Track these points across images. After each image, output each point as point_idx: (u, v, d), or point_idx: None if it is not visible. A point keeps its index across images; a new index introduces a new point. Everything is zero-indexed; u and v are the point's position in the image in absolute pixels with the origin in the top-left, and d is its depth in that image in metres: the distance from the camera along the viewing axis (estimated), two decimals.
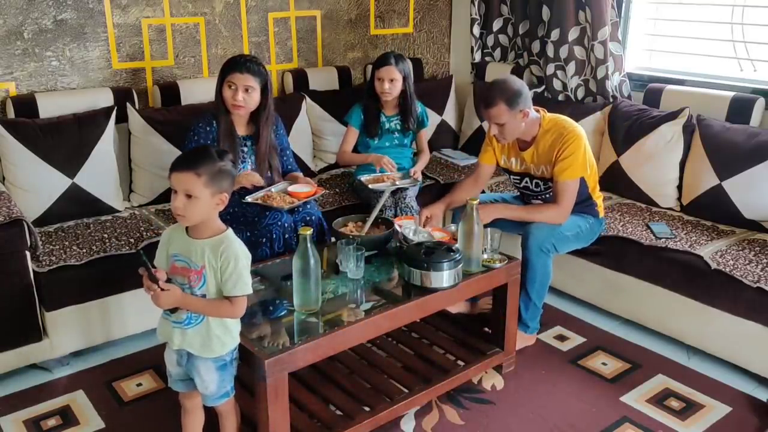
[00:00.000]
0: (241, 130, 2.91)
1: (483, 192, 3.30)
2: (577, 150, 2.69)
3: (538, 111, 2.78)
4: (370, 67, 4.03)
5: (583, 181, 2.77)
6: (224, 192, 1.86)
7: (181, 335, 1.90)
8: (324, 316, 2.17)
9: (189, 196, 1.79)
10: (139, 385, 2.59)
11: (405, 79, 3.36)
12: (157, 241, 2.73)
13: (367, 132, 3.44)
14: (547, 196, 2.86)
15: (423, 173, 3.57)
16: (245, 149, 2.91)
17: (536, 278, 2.71)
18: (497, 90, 2.66)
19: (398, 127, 3.46)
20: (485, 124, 3.97)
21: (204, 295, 1.87)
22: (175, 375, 2.00)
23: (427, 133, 3.67)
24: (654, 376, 2.67)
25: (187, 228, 1.90)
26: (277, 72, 3.80)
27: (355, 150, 3.49)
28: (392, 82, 3.32)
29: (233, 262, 1.83)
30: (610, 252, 2.97)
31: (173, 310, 1.88)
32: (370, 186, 3.19)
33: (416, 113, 3.46)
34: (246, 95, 2.79)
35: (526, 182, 2.91)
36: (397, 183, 3.20)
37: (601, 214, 2.93)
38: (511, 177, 2.99)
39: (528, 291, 2.73)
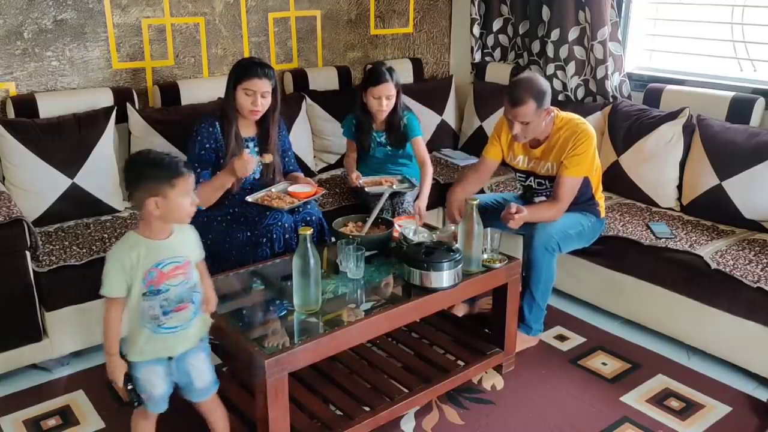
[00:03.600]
0: (245, 131, 2.90)
1: (482, 192, 3.30)
2: (587, 150, 2.69)
3: (552, 110, 2.77)
4: (362, 79, 3.98)
5: (587, 181, 2.78)
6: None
7: (182, 336, 1.89)
8: (324, 316, 2.17)
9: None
10: None
11: (398, 91, 3.24)
12: None
13: (360, 146, 3.40)
14: (551, 193, 2.85)
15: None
16: (248, 150, 2.91)
17: (541, 278, 2.71)
18: (526, 89, 2.61)
19: (387, 142, 3.37)
20: (486, 124, 3.98)
21: (196, 283, 1.90)
22: (163, 393, 1.92)
23: (422, 141, 3.36)
24: (654, 376, 2.67)
25: (143, 235, 1.84)
26: (277, 72, 3.78)
27: (359, 157, 3.47)
28: (389, 99, 3.20)
29: (196, 234, 1.95)
30: (610, 252, 2.97)
31: (165, 316, 1.84)
32: (366, 189, 3.18)
33: (401, 126, 3.27)
34: (263, 100, 2.78)
35: (531, 181, 2.91)
36: (394, 187, 3.17)
37: (602, 215, 2.93)
38: (517, 174, 2.99)
39: (533, 292, 2.73)
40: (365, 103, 3.26)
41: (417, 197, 3.16)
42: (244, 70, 2.78)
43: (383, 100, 3.18)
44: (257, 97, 2.76)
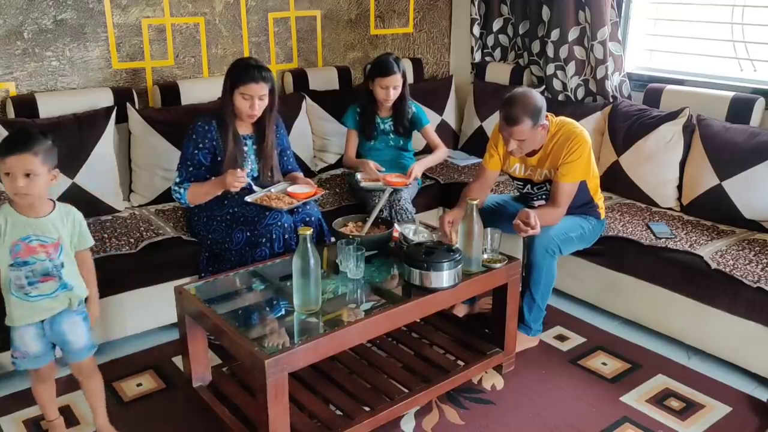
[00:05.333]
0: (242, 129, 2.91)
1: (492, 192, 3.29)
2: (582, 155, 2.69)
3: (546, 118, 2.76)
4: (369, 68, 4.03)
5: (584, 185, 2.77)
6: (56, 167, 2.00)
7: (50, 303, 2.03)
8: (324, 316, 2.17)
9: (27, 176, 1.90)
10: (139, 385, 2.59)
11: (404, 81, 3.35)
12: (159, 242, 2.76)
13: (363, 134, 3.43)
14: (548, 196, 2.85)
15: (424, 173, 3.55)
16: (245, 148, 2.91)
17: (541, 280, 2.71)
18: (521, 107, 2.58)
19: (392, 128, 3.45)
20: (486, 124, 3.99)
21: (62, 263, 2.02)
22: (38, 351, 2.07)
23: (431, 128, 3.61)
24: (654, 376, 2.67)
25: (14, 209, 1.97)
26: (277, 72, 3.80)
27: (357, 151, 3.49)
28: (395, 89, 3.30)
29: (81, 223, 2.09)
30: (610, 252, 2.97)
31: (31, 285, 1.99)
32: (361, 184, 3.19)
33: (409, 114, 3.43)
34: (261, 103, 2.80)
35: (529, 188, 2.91)
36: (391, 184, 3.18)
37: (603, 216, 2.93)
38: (515, 182, 2.99)
39: (532, 293, 2.73)
40: (371, 91, 3.33)
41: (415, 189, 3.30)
42: (241, 74, 2.76)
43: (390, 90, 3.29)
44: (255, 101, 2.77)
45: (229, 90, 2.79)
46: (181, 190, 2.81)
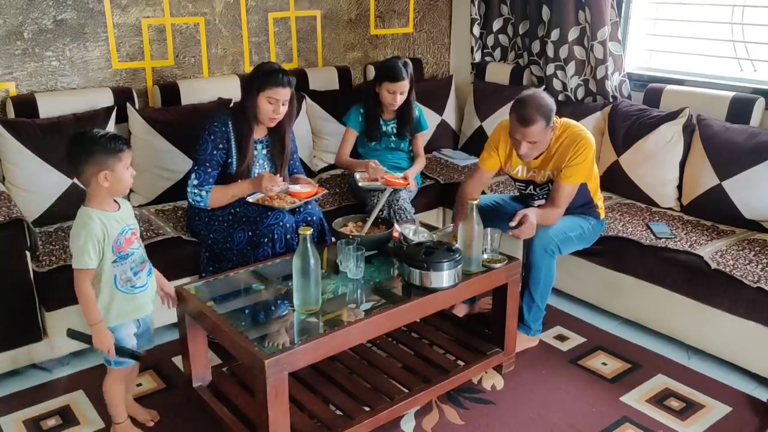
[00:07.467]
0: (256, 134, 2.90)
1: (483, 192, 3.29)
2: (587, 158, 2.68)
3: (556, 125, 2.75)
4: (370, 68, 4.04)
5: (584, 185, 2.77)
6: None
7: (144, 296, 2.14)
8: (324, 316, 2.17)
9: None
10: (139, 385, 2.59)
11: (411, 85, 3.34)
12: (158, 242, 2.76)
13: (366, 136, 3.43)
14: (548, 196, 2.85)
15: (422, 173, 3.56)
16: (255, 152, 2.91)
17: (540, 280, 2.71)
18: (535, 108, 2.55)
19: (394, 131, 3.45)
20: (486, 124, 3.98)
21: (142, 245, 2.16)
22: (135, 345, 2.16)
23: (424, 138, 3.63)
24: (654, 376, 2.67)
25: (99, 209, 2.05)
26: None
27: (354, 150, 3.49)
28: (402, 94, 3.29)
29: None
30: (610, 252, 2.97)
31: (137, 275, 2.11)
32: (360, 184, 3.19)
33: (414, 118, 3.43)
34: (283, 108, 2.81)
35: (531, 189, 2.91)
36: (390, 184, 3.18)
37: (602, 216, 2.93)
38: (516, 183, 2.98)
39: (532, 293, 2.73)
40: (377, 93, 3.33)
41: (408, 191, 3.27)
42: (268, 78, 2.76)
43: (397, 95, 3.28)
44: (279, 105, 2.78)
45: (255, 93, 2.78)
46: (203, 193, 2.79)
